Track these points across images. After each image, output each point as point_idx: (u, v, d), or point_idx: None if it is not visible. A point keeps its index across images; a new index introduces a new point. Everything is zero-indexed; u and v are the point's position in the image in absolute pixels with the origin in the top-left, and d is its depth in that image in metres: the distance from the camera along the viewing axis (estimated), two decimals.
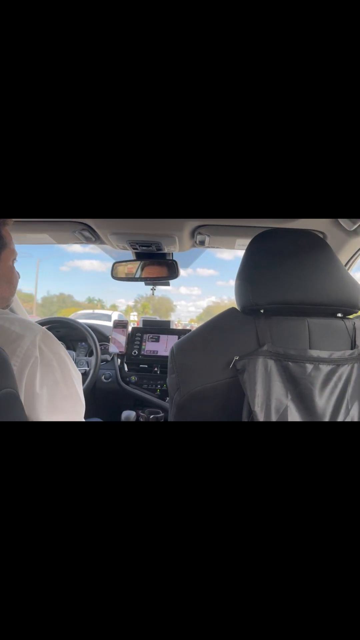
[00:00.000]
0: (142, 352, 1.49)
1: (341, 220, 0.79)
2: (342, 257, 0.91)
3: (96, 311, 8.18)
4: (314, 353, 0.53)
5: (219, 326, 0.61)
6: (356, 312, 0.60)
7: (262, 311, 0.58)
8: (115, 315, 6.56)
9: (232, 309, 0.62)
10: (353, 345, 0.55)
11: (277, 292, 0.56)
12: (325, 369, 0.53)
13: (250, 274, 0.59)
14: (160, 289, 1.40)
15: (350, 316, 0.60)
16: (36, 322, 1.49)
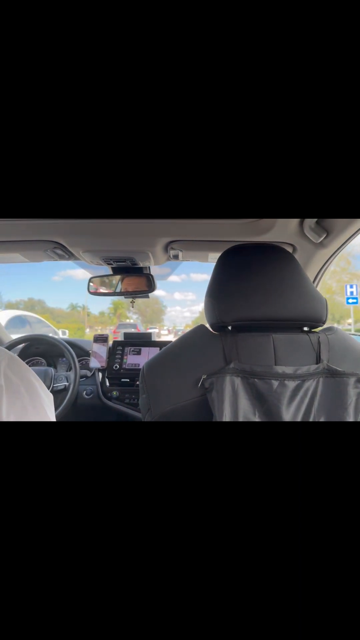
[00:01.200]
0: (124, 366, 1.48)
1: (308, 233, 0.81)
2: (312, 269, 0.93)
3: None
4: (280, 369, 0.54)
5: (187, 345, 0.61)
6: (321, 326, 0.61)
7: (229, 328, 0.59)
8: (2, 316, 3.95)
9: (201, 326, 0.62)
10: (318, 360, 0.56)
11: (242, 309, 0.57)
12: (291, 384, 0.54)
13: (216, 291, 0.60)
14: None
15: (316, 329, 0.62)
16: (15, 339, 1.47)
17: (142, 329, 15.79)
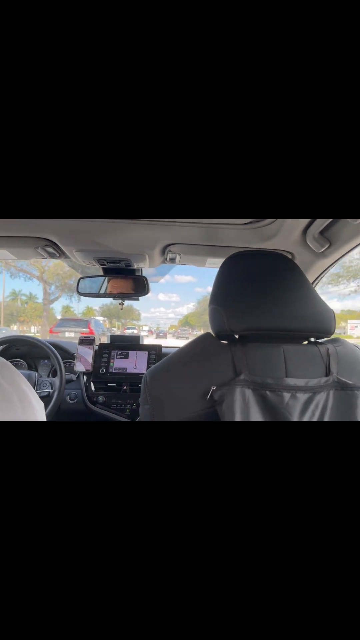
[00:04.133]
0: (110, 370, 1.43)
1: (310, 243, 0.81)
2: (309, 277, 0.94)
3: None
4: (291, 381, 0.53)
5: (194, 353, 0.58)
6: (328, 337, 0.61)
7: (237, 337, 0.57)
8: None
9: (207, 335, 0.60)
10: (328, 372, 0.55)
11: (251, 318, 0.55)
12: (302, 397, 0.52)
13: (224, 299, 0.58)
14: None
15: (321, 340, 0.61)
16: None
17: (98, 328, 11.88)
